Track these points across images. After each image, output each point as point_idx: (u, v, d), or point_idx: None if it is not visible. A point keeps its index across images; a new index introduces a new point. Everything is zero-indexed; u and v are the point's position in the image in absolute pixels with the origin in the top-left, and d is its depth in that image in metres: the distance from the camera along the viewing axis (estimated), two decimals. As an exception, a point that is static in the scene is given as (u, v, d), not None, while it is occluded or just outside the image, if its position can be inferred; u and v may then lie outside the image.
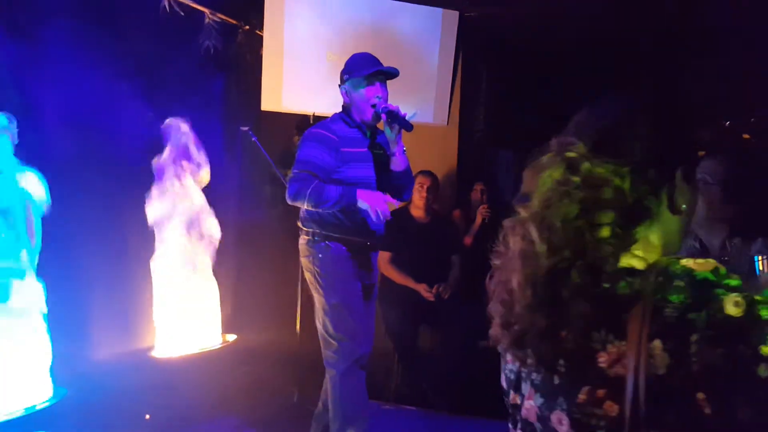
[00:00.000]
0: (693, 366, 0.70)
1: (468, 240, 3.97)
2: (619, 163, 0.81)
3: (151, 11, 3.13)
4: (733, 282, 0.75)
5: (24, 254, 2.52)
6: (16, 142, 2.57)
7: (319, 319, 2.64)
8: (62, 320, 2.62)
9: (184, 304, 3.27)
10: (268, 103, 3.73)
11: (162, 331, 3.26)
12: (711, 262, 0.77)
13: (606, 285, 0.78)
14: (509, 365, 0.93)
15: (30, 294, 2.52)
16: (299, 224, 2.66)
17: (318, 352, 2.67)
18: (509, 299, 0.86)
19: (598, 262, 0.78)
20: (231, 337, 3.56)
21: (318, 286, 2.60)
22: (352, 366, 2.57)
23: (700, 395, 0.70)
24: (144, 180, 3.16)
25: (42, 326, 2.55)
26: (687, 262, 0.78)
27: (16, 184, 2.54)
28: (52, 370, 2.58)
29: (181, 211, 3.27)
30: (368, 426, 2.62)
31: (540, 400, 0.84)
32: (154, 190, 3.21)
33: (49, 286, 2.55)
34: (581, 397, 0.78)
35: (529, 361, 0.85)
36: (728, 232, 2.05)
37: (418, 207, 3.79)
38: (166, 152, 3.29)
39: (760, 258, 1.53)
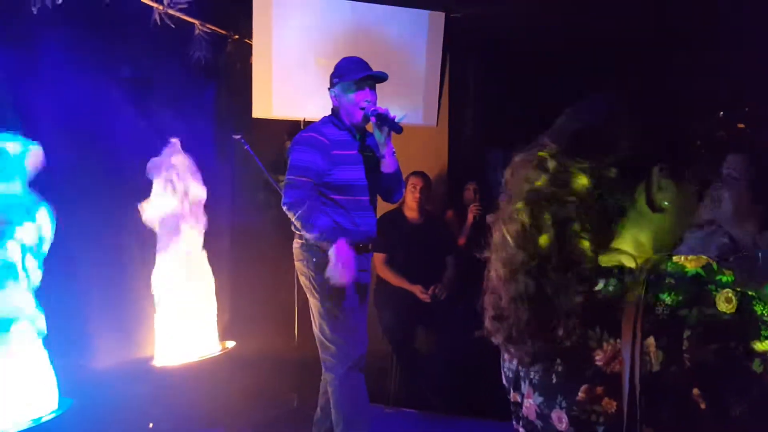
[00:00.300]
0: (686, 363, 0.71)
1: (462, 240, 3.98)
2: (589, 162, 0.81)
3: (143, 24, 3.17)
4: (725, 278, 0.75)
5: (26, 295, 2.46)
6: (39, 168, 2.41)
7: (316, 323, 2.65)
8: (65, 330, 2.63)
9: (184, 306, 3.28)
10: (259, 111, 3.75)
11: (162, 340, 3.28)
12: (703, 259, 0.77)
13: (600, 285, 0.78)
14: (507, 363, 0.94)
15: (29, 318, 2.47)
16: (293, 228, 2.67)
17: (317, 357, 2.69)
18: (498, 292, 0.87)
19: (574, 258, 0.79)
20: (230, 344, 3.57)
21: (313, 290, 2.61)
22: (351, 368, 2.59)
23: (695, 391, 0.71)
24: (139, 188, 3.17)
25: (40, 348, 2.53)
26: (678, 259, 0.78)
27: (30, 224, 2.43)
28: (58, 381, 2.58)
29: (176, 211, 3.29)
30: (371, 429, 2.63)
31: (539, 399, 0.85)
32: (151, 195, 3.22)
33: (50, 295, 2.52)
34: (580, 395, 0.79)
35: (526, 359, 0.85)
36: (758, 227, 2.01)
37: (411, 208, 3.81)
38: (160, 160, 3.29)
39: None
